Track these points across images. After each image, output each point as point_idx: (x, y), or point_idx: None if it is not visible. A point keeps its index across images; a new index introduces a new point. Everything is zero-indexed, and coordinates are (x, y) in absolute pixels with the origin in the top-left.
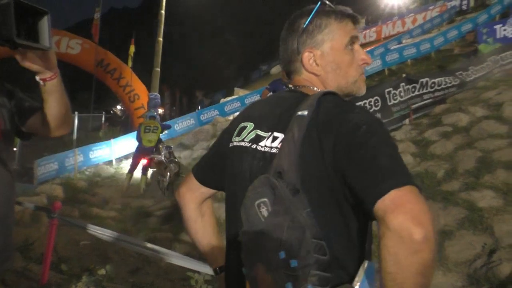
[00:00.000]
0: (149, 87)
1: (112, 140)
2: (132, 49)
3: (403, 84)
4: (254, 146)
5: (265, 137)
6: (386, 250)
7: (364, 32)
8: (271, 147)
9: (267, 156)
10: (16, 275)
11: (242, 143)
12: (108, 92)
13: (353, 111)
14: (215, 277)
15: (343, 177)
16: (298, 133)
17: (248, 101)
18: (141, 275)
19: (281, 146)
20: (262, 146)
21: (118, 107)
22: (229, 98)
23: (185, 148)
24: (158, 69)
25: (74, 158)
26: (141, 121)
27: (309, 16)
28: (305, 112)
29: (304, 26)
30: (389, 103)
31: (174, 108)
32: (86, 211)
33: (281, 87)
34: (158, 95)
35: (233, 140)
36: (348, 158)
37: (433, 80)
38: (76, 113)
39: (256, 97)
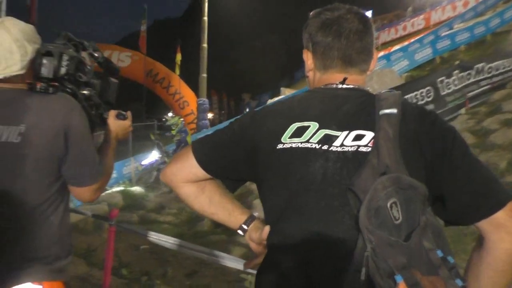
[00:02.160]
0: (197, 93)
1: (165, 148)
2: (178, 57)
3: (456, 71)
4: (325, 147)
5: (337, 136)
6: (504, 252)
7: (411, 21)
8: (356, 146)
9: (349, 156)
10: (80, 280)
11: (308, 145)
12: (159, 100)
13: (439, 116)
14: (246, 232)
15: (440, 183)
16: (392, 131)
17: None
18: (197, 278)
19: (375, 144)
20: (337, 146)
21: (169, 114)
22: (275, 99)
23: None
24: (205, 75)
25: (131, 166)
26: (191, 127)
27: (368, 17)
28: (394, 111)
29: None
30: (442, 93)
31: (223, 112)
32: (144, 216)
33: None
34: (207, 100)
35: (284, 141)
36: (453, 164)
37: (489, 65)
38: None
39: None
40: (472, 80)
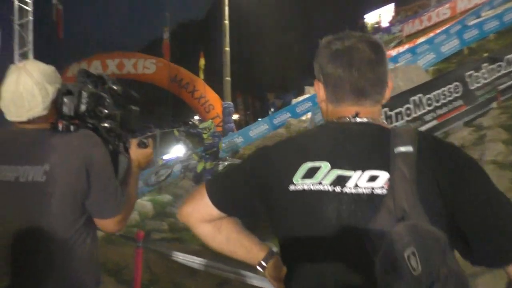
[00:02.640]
0: (222, 96)
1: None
2: (202, 61)
3: (485, 64)
4: (338, 189)
5: (350, 177)
6: None
7: (436, 10)
8: (370, 188)
9: (363, 198)
10: None
11: (320, 187)
12: (185, 105)
13: (458, 148)
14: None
15: (463, 222)
16: (409, 171)
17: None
18: (228, 287)
19: (391, 186)
20: (351, 188)
21: (196, 117)
22: (300, 99)
23: None
24: (229, 78)
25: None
26: (217, 130)
27: (381, 45)
28: (410, 149)
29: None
30: (471, 87)
31: (248, 112)
32: (174, 224)
33: None
34: (231, 103)
35: (296, 182)
36: (476, 201)
37: None
38: (158, 130)
39: None
40: (503, 72)
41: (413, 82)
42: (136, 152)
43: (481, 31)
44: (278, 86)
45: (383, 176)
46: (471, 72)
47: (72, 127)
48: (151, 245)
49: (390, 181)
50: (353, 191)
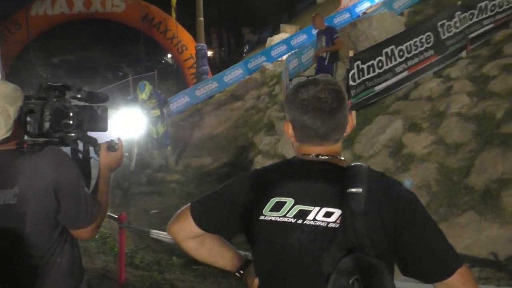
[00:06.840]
0: (195, 37)
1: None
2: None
3: (458, 13)
4: (300, 221)
5: (310, 211)
6: None
7: None
8: (326, 222)
9: (320, 230)
10: (98, 276)
11: (285, 219)
12: (157, 45)
13: (401, 188)
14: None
15: (402, 251)
16: (357, 210)
17: (294, 42)
18: None
19: (342, 222)
20: (310, 220)
21: (169, 55)
22: (275, 39)
23: (236, 99)
24: (202, 19)
25: None
26: (191, 72)
27: (342, 92)
28: (360, 190)
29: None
30: (443, 37)
31: (223, 48)
32: (152, 177)
33: (334, 34)
34: (205, 45)
35: (265, 214)
36: (412, 237)
37: (493, 2)
38: (130, 76)
39: (302, 37)
40: (475, 20)
41: (387, 31)
42: (106, 156)
43: None
44: (254, 21)
45: (337, 213)
46: (443, 21)
47: (37, 148)
48: (132, 227)
49: (342, 217)
50: (312, 223)
